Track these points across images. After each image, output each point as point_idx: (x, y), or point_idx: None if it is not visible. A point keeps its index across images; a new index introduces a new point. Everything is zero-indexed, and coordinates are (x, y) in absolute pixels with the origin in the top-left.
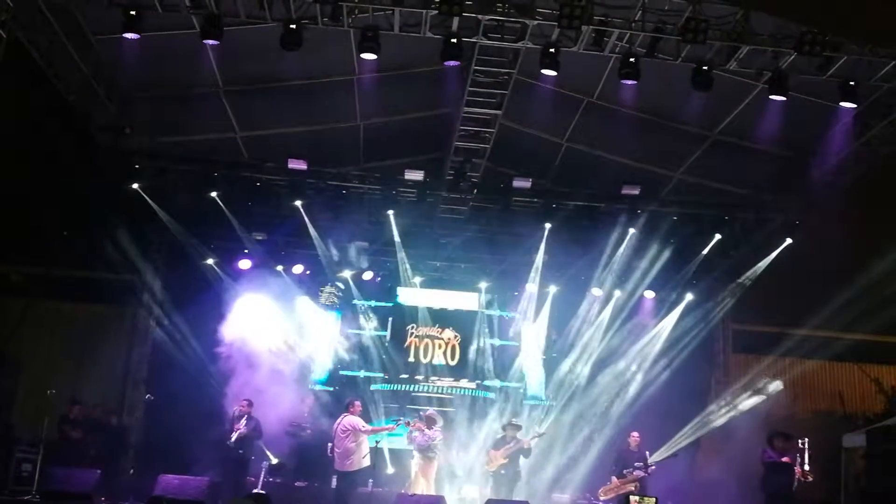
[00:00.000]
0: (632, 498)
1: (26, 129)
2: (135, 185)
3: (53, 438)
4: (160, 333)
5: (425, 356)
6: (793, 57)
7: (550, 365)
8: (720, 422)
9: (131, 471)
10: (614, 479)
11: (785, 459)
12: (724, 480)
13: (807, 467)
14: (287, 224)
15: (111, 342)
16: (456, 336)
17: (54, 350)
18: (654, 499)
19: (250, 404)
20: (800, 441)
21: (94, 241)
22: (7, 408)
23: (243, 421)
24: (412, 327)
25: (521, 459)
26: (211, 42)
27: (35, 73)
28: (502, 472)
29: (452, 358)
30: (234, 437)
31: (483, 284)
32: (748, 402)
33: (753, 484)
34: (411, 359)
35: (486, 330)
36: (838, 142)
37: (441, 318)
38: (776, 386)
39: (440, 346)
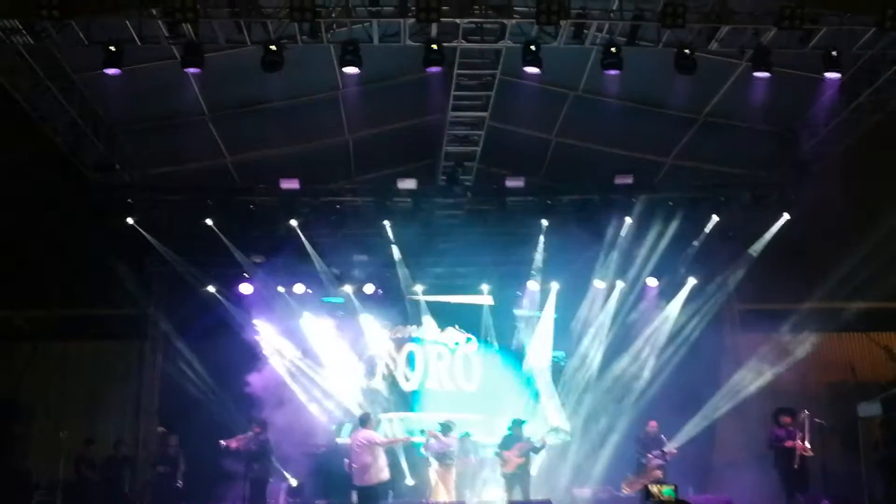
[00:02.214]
0: (651, 487)
1: (17, 174)
2: (129, 220)
3: (71, 480)
4: (168, 364)
5: (407, 375)
6: (773, 32)
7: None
8: (734, 402)
9: None
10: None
11: (788, 444)
12: (742, 460)
13: (807, 443)
14: (285, 245)
15: (120, 377)
16: (470, 340)
17: (65, 390)
18: (673, 486)
19: (259, 424)
20: (801, 415)
21: (94, 278)
22: (23, 453)
23: (245, 437)
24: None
25: (532, 456)
26: (192, 70)
27: (20, 117)
28: (518, 472)
29: (467, 378)
30: (231, 442)
31: (486, 287)
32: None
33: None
34: (377, 383)
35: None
36: (827, 112)
37: (443, 313)
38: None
39: (440, 357)
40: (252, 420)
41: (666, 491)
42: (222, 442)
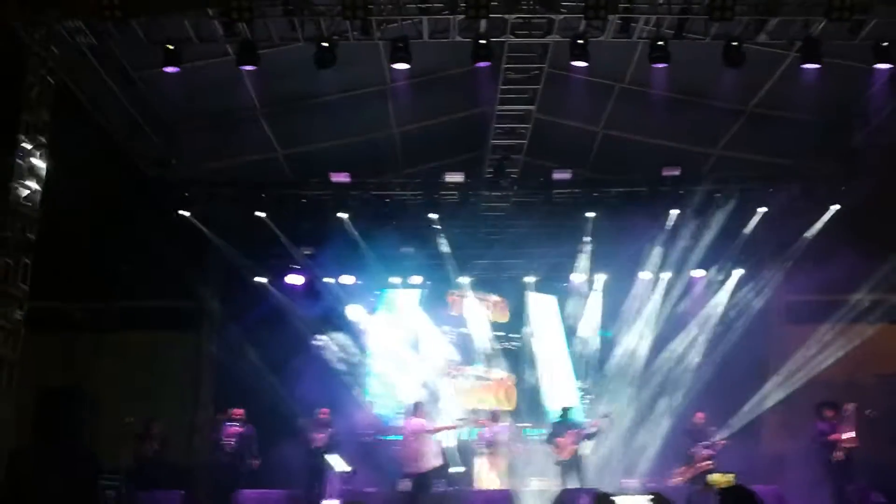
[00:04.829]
0: (710, 477)
1: (78, 170)
2: (186, 213)
3: (132, 463)
4: (223, 354)
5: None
6: (823, 23)
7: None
8: (782, 394)
9: None
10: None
11: (831, 437)
12: (790, 452)
13: (846, 435)
14: (335, 237)
15: (177, 366)
16: (511, 377)
17: (126, 379)
18: (732, 474)
19: (328, 414)
20: (847, 408)
21: (153, 271)
22: (89, 438)
23: (322, 429)
24: None
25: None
26: (248, 68)
27: (80, 113)
28: (573, 458)
29: (508, 401)
30: (318, 443)
31: (531, 279)
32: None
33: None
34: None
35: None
36: (877, 103)
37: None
38: None
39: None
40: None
41: (728, 478)
42: (318, 445)
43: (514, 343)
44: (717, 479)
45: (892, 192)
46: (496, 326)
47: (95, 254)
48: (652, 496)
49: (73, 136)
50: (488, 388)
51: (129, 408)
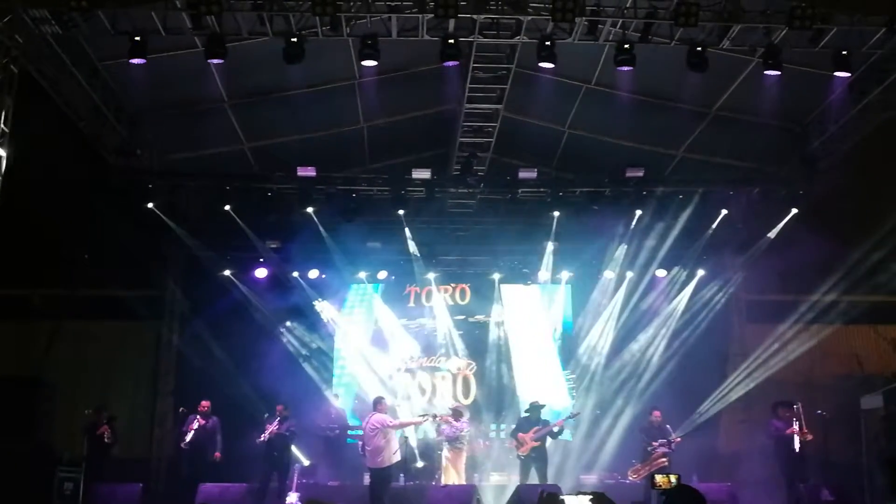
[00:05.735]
0: (657, 477)
1: (41, 158)
2: (150, 205)
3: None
4: (184, 344)
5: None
6: (784, 31)
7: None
8: (740, 392)
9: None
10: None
11: (788, 431)
12: (745, 451)
13: (805, 429)
14: (300, 231)
15: (138, 357)
16: (469, 365)
17: (84, 369)
18: (676, 476)
19: (285, 408)
20: (795, 406)
21: (114, 260)
22: (47, 429)
23: (275, 422)
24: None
25: (549, 440)
26: (215, 61)
27: (45, 103)
28: (533, 454)
29: (466, 395)
30: (263, 436)
31: (497, 275)
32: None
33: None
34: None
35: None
36: (837, 110)
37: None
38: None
39: (444, 379)
40: (276, 403)
41: (672, 479)
42: (261, 438)
43: (477, 333)
44: (662, 480)
45: (850, 197)
46: (457, 310)
47: (57, 242)
48: (591, 496)
49: (38, 124)
50: (446, 381)
51: (87, 399)
